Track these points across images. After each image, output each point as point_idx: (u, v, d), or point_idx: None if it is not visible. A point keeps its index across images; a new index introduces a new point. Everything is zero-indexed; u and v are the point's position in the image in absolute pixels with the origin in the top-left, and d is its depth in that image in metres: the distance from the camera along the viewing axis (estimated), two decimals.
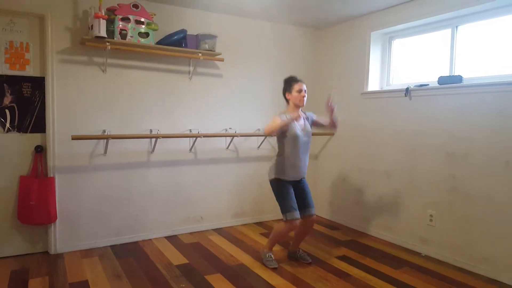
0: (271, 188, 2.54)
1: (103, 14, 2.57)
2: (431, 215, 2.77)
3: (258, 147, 3.56)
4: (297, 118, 2.39)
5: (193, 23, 3.14)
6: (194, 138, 3.18)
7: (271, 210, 3.59)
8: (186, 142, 3.20)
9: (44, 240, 2.74)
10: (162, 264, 2.55)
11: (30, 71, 2.66)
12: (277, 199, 2.49)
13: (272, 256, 2.56)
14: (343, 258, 2.71)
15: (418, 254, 2.82)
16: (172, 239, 3.08)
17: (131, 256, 2.69)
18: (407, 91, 2.91)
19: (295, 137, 2.44)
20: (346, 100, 3.52)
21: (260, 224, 3.53)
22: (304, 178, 2.58)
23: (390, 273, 2.45)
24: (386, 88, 3.31)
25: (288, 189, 2.46)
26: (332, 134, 3.70)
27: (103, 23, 2.56)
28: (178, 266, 2.52)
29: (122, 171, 2.95)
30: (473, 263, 2.51)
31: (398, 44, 3.27)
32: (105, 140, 2.81)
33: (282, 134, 2.44)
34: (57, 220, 2.72)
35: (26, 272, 2.40)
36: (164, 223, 3.14)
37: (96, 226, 2.87)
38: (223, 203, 3.42)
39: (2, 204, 2.62)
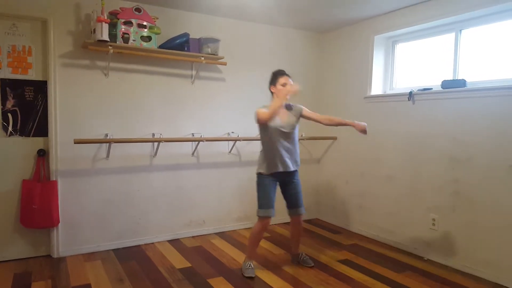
0: None
1: (106, 17, 2.57)
2: (433, 219, 2.77)
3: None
4: (279, 110, 2.35)
5: (195, 26, 3.13)
6: (197, 142, 3.17)
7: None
8: (189, 146, 3.20)
9: (47, 243, 2.75)
10: (165, 268, 2.55)
11: (33, 75, 2.66)
12: (257, 193, 2.45)
13: (252, 265, 2.49)
14: (346, 262, 2.70)
15: (420, 258, 2.82)
16: (175, 242, 3.08)
17: (133, 260, 2.69)
18: (411, 95, 2.90)
19: (275, 130, 2.38)
20: (349, 104, 3.51)
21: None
22: (295, 174, 2.49)
23: (393, 277, 2.45)
24: (389, 92, 3.30)
25: (268, 185, 2.41)
26: (335, 138, 3.70)
27: (105, 26, 2.56)
28: (180, 270, 2.52)
29: (125, 175, 2.95)
30: (476, 267, 2.51)
31: (401, 48, 3.26)
32: (108, 144, 2.81)
33: (264, 126, 2.39)
34: (59, 224, 2.72)
35: (29, 276, 2.40)
36: (167, 227, 3.14)
37: (98, 230, 2.87)
38: (226, 207, 3.42)
39: (5, 207, 2.63)
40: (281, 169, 2.42)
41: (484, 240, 2.46)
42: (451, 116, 2.65)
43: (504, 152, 2.36)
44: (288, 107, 2.51)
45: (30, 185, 2.61)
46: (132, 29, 2.72)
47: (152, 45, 2.81)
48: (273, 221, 3.64)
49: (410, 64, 3.18)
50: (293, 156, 2.46)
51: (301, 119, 2.52)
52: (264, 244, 3.08)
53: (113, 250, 2.89)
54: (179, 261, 2.67)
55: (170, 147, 3.11)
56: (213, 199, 3.35)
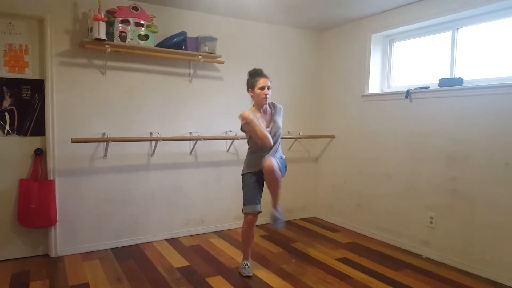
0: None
1: (103, 16, 2.56)
2: (431, 217, 2.78)
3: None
4: (261, 116, 2.32)
5: (193, 25, 3.13)
6: (195, 141, 3.17)
7: None
8: (187, 145, 3.20)
9: (45, 243, 2.74)
10: (163, 267, 2.55)
11: (30, 73, 2.65)
12: (243, 191, 2.43)
13: (249, 264, 2.47)
14: (344, 260, 2.71)
15: (418, 256, 2.83)
16: (173, 241, 3.08)
17: (131, 259, 2.69)
18: (408, 93, 2.91)
19: (277, 136, 2.40)
20: (347, 103, 3.52)
21: (260, 226, 3.53)
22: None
23: (391, 275, 2.46)
24: (386, 90, 3.31)
25: (251, 182, 2.37)
26: (333, 137, 3.70)
27: (102, 25, 2.55)
28: (179, 269, 2.52)
29: (122, 174, 2.94)
30: (473, 264, 2.52)
31: (398, 47, 3.26)
32: (105, 143, 2.80)
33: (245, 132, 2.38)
34: (57, 223, 2.71)
35: (27, 275, 2.39)
36: (165, 226, 3.14)
37: (96, 229, 2.86)
38: (224, 205, 3.41)
39: (2, 207, 2.62)
40: (255, 169, 2.40)
41: (482, 238, 2.47)
42: (448, 115, 2.66)
43: (501, 150, 2.37)
44: (271, 107, 2.45)
45: (28, 184, 2.60)
46: (129, 28, 2.71)
47: (150, 43, 2.80)
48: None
49: (407, 62, 3.19)
50: (277, 154, 2.42)
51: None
52: (262, 242, 3.09)
53: (111, 249, 2.88)
54: (177, 260, 2.67)
55: (168, 146, 3.10)
56: (211, 198, 3.34)
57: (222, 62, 3.18)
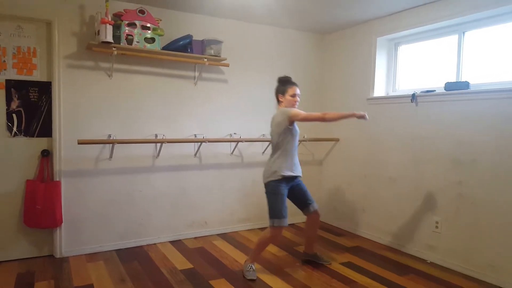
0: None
1: (110, 19, 2.59)
2: (437, 222, 2.75)
3: (263, 152, 3.56)
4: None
5: (198, 28, 3.15)
6: (199, 143, 3.18)
7: None
8: (191, 147, 3.21)
9: (50, 243, 2.76)
10: (167, 269, 2.55)
11: (37, 75, 2.68)
12: (270, 203, 2.40)
13: (253, 267, 2.48)
14: (348, 265, 2.69)
15: (423, 261, 2.80)
16: (177, 243, 3.09)
17: (135, 261, 2.70)
18: (414, 97, 2.89)
19: (297, 133, 2.48)
20: (352, 106, 3.51)
21: (264, 229, 3.51)
22: (300, 176, 2.54)
23: (396, 280, 2.44)
24: (392, 94, 3.29)
25: (284, 193, 2.41)
26: (337, 140, 3.69)
27: (109, 28, 2.58)
28: (182, 271, 2.52)
29: (127, 175, 2.96)
30: (479, 270, 2.49)
31: (404, 50, 3.25)
32: (111, 144, 2.82)
33: (290, 129, 2.41)
34: (62, 224, 2.73)
35: (32, 276, 2.41)
36: (169, 228, 3.15)
37: (101, 230, 2.88)
38: (228, 208, 3.42)
39: (8, 207, 2.64)
40: (295, 173, 2.47)
41: (488, 243, 2.44)
42: (454, 118, 2.64)
43: (508, 154, 2.35)
44: None
45: (34, 185, 2.63)
46: (136, 31, 2.74)
47: (156, 46, 2.82)
48: None
49: (413, 66, 3.17)
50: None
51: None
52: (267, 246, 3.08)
53: (116, 250, 2.89)
54: (181, 262, 2.67)
55: (173, 148, 3.12)
56: (215, 200, 3.35)
57: (227, 65, 3.20)
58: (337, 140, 3.68)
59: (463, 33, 2.73)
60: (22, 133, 2.66)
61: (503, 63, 2.52)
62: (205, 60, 3.02)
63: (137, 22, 2.73)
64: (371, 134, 3.32)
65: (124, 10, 2.74)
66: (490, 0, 2.40)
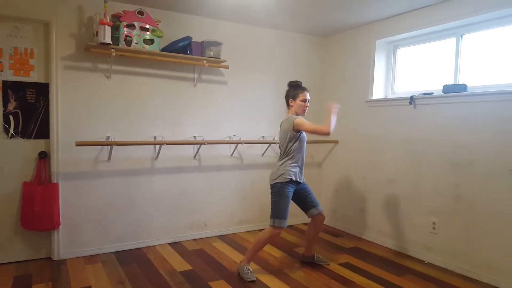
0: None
1: (108, 20, 2.57)
2: (434, 223, 2.78)
3: (263, 154, 3.56)
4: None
5: (198, 30, 3.14)
6: (198, 145, 3.18)
7: None
8: (190, 149, 3.20)
9: (48, 246, 2.74)
10: (166, 271, 2.55)
11: (35, 77, 2.65)
12: (274, 202, 2.44)
13: (250, 268, 2.50)
14: (347, 265, 2.71)
15: (421, 261, 2.83)
16: (176, 245, 3.08)
17: (134, 263, 2.69)
18: (412, 99, 2.92)
19: (305, 139, 2.51)
20: (351, 108, 3.52)
21: (263, 230, 3.54)
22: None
23: (393, 280, 2.46)
24: (390, 96, 3.32)
25: (289, 196, 2.45)
26: (336, 142, 3.70)
27: (108, 29, 2.56)
28: (181, 273, 2.52)
29: (126, 177, 2.94)
30: (476, 270, 2.52)
31: (403, 53, 3.27)
32: (109, 146, 2.81)
33: (295, 136, 2.44)
34: (60, 226, 2.71)
35: (29, 278, 2.39)
36: (168, 230, 3.14)
37: (99, 232, 2.86)
38: (227, 210, 3.42)
39: (5, 210, 2.62)
40: (300, 180, 2.51)
41: (485, 244, 2.47)
42: (452, 121, 2.67)
43: (505, 156, 2.38)
44: None
45: (31, 187, 2.61)
46: (134, 32, 2.72)
47: (155, 48, 2.81)
48: None
49: (411, 68, 3.19)
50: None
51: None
52: (265, 247, 3.08)
53: (114, 253, 2.88)
54: (180, 264, 2.67)
55: (172, 150, 3.11)
56: (214, 202, 3.34)
57: (227, 67, 3.19)
58: (336, 142, 3.70)
59: (461, 36, 2.76)
60: (19, 135, 2.64)
61: (500, 66, 2.55)
62: (205, 61, 3.01)
63: (136, 23, 2.72)
64: (369, 136, 3.34)
65: (123, 11, 2.72)
66: (488, 4, 2.43)
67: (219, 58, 3.09)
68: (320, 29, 3.55)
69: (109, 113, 2.84)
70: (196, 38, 3.08)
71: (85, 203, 2.80)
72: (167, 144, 2.95)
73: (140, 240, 3.02)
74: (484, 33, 2.64)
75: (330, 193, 3.80)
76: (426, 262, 2.80)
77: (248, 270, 2.48)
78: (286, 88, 2.58)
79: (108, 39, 2.56)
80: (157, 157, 3.04)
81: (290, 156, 2.46)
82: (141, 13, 2.73)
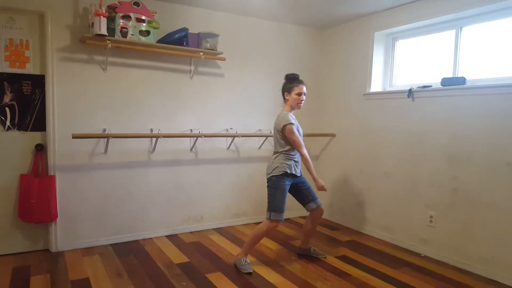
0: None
1: (104, 11, 2.55)
2: (431, 216, 2.78)
3: (259, 147, 3.55)
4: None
5: (194, 21, 3.11)
6: (195, 138, 3.17)
7: None
8: (187, 142, 3.20)
9: (45, 238, 2.75)
10: (163, 263, 2.56)
11: (30, 69, 2.64)
12: (270, 196, 2.44)
13: (248, 260, 2.51)
14: (343, 258, 2.72)
15: (417, 254, 2.84)
16: (173, 238, 3.09)
17: (131, 255, 2.70)
18: (410, 92, 2.89)
19: (300, 134, 2.49)
20: (348, 101, 3.50)
21: (260, 223, 3.54)
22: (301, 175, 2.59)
23: (390, 273, 2.47)
24: (389, 89, 3.29)
25: (286, 189, 2.44)
26: (334, 135, 3.69)
27: (103, 21, 2.54)
28: (179, 265, 2.53)
29: (123, 170, 2.94)
30: (473, 263, 2.53)
31: (401, 45, 3.24)
32: (106, 139, 2.80)
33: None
34: (58, 218, 2.72)
35: (28, 270, 2.41)
36: (165, 222, 3.15)
37: (97, 225, 2.87)
38: (224, 202, 3.42)
39: (3, 202, 2.62)
40: (297, 173, 2.50)
41: (481, 237, 2.48)
42: (450, 114, 2.65)
43: (503, 149, 2.36)
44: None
45: (28, 179, 2.61)
46: (130, 23, 2.70)
47: (151, 39, 2.79)
48: None
49: (410, 61, 3.17)
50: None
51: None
52: (262, 239, 3.09)
53: (111, 245, 2.89)
54: (177, 256, 2.68)
55: (169, 142, 3.10)
56: (211, 195, 3.35)
57: (224, 59, 3.17)
58: (333, 135, 3.69)
59: (461, 28, 2.72)
60: (16, 127, 2.63)
61: (499, 59, 2.52)
62: (201, 53, 2.98)
63: (131, 15, 2.69)
64: (367, 129, 3.32)
65: (118, 2, 2.69)
66: None
67: (216, 50, 3.06)
68: (318, 21, 3.52)
69: (105, 105, 2.83)
70: (193, 29, 3.05)
71: (82, 195, 2.81)
72: (164, 136, 2.95)
73: (137, 233, 3.03)
74: (484, 26, 2.61)
75: (327, 187, 3.77)
76: (422, 255, 2.81)
77: (245, 261, 2.49)
78: (283, 81, 2.56)
79: (103, 31, 2.54)
80: (153, 149, 3.04)
81: (285, 149, 2.45)
82: (137, 4, 2.70)
